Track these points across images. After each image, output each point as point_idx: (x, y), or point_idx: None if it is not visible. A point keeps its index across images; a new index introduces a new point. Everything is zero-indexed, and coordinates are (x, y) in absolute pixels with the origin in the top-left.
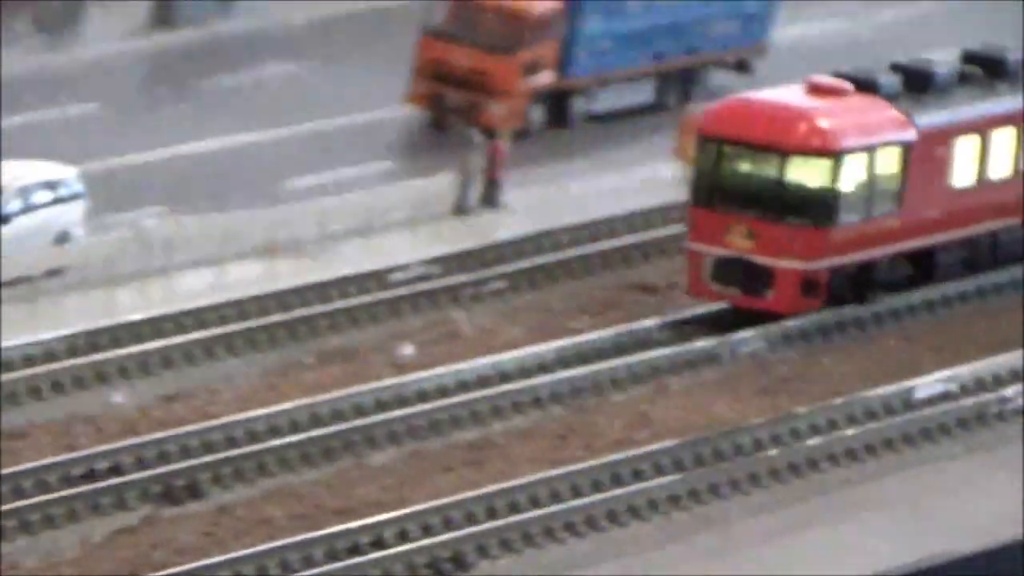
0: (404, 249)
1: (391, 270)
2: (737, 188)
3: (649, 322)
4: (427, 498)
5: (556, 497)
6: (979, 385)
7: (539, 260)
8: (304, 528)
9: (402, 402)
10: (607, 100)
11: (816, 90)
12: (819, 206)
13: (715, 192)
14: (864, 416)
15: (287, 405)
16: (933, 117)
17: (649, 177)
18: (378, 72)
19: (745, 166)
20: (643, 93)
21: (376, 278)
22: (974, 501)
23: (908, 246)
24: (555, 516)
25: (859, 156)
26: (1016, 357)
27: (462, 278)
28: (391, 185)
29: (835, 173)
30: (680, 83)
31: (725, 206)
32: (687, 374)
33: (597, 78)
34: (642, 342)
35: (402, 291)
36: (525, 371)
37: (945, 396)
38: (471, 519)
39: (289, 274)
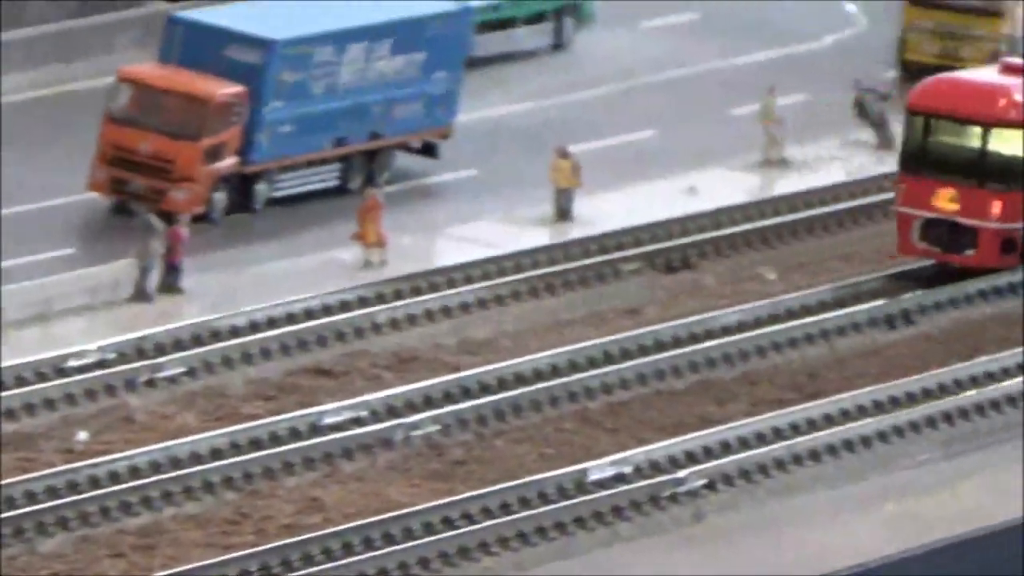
0: (82, 335)
1: (68, 356)
2: (943, 156)
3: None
4: None
5: None
6: (653, 467)
7: (216, 345)
8: None
9: (73, 488)
10: (291, 184)
11: (1010, 70)
12: (1017, 172)
13: (922, 160)
14: (537, 499)
15: None
16: None
17: (330, 261)
18: (63, 157)
19: (950, 137)
20: (328, 177)
21: (52, 365)
22: None
23: None
24: None
25: None
26: (692, 439)
27: (138, 364)
28: (71, 272)
29: None
30: (364, 166)
31: (931, 173)
32: (361, 458)
33: (279, 162)
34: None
35: (78, 377)
36: (197, 457)
37: (619, 478)
38: None
39: None
